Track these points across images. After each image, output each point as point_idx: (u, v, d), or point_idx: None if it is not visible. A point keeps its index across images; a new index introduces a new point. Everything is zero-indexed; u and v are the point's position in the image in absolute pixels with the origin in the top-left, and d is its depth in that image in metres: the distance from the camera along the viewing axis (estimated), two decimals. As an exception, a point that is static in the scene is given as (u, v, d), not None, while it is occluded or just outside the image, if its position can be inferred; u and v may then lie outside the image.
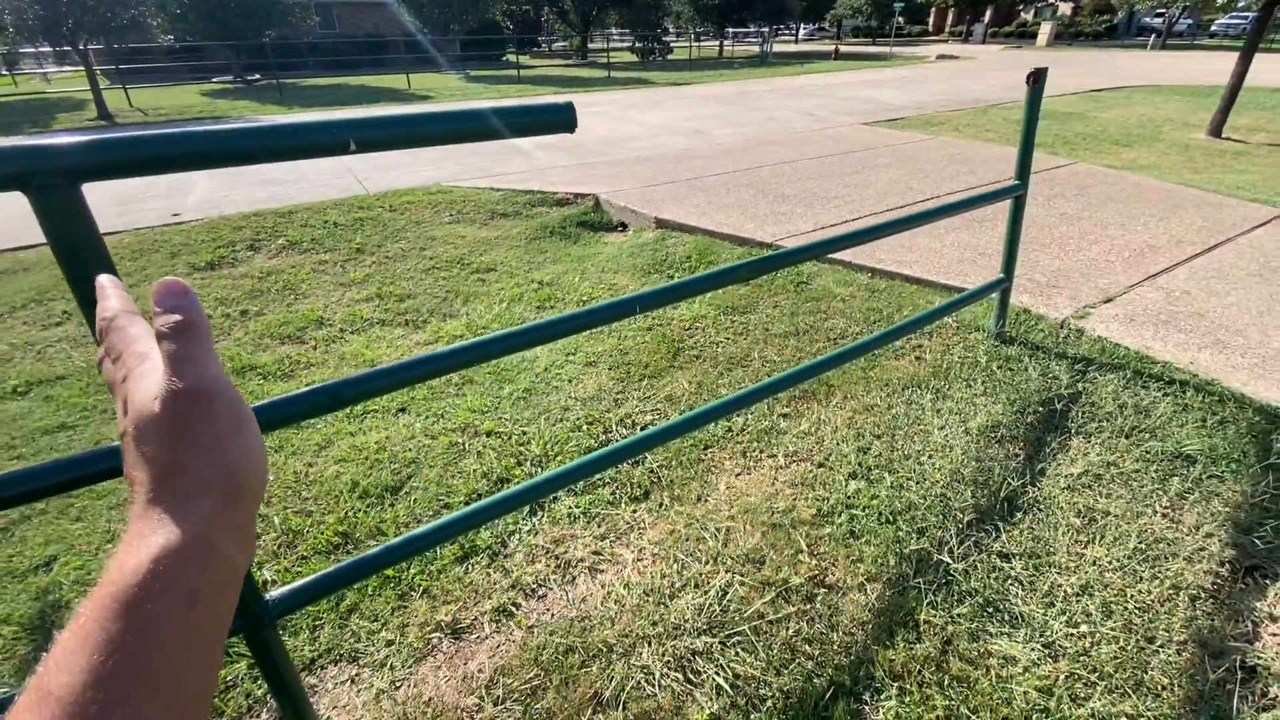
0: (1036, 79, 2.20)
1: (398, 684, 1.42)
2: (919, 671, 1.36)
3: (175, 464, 0.29)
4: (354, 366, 2.83)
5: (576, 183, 5.23)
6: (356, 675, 1.46)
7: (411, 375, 1.15)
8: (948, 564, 1.59)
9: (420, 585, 1.68)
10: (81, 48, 12.65)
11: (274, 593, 1.12)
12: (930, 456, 1.96)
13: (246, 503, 0.31)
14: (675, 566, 1.65)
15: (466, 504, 1.97)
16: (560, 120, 1.01)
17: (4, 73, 23.73)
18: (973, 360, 2.44)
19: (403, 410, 2.51)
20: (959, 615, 1.47)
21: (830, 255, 3.31)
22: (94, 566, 1.83)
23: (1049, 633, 1.44)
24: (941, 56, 24.36)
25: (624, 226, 4.41)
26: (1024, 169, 2.36)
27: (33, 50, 19.96)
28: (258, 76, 20.04)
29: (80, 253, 0.75)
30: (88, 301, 0.77)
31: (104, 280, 0.36)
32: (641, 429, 2.26)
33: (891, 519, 1.73)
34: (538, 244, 4.25)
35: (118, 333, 0.33)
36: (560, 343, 2.93)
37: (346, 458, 2.20)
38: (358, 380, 1.07)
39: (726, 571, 1.62)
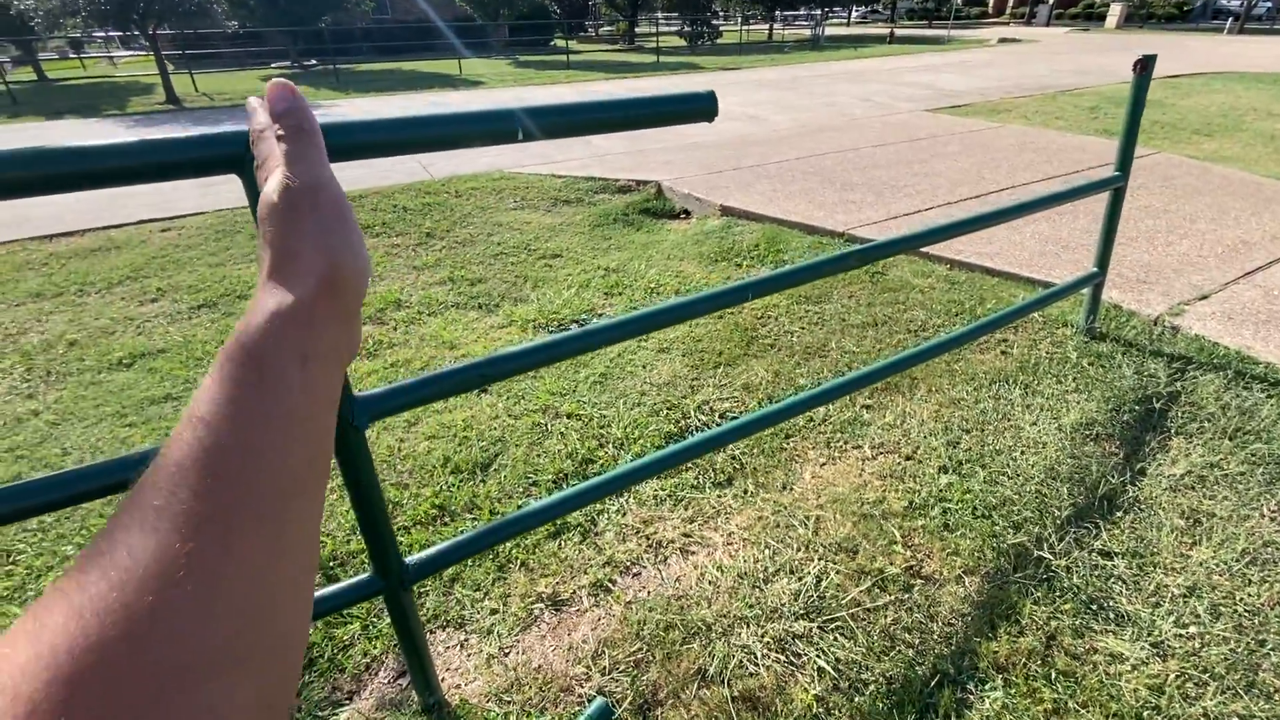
0: (1144, 66, 2.12)
1: (506, 650, 1.49)
2: (1024, 664, 1.36)
3: (288, 248, 0.33)
4: (434, 348, 2.93)
5: (636, 169, 5.24)
6: (465, 640, 1.53)
7: (539, 359, 1.19)
8: (1048, 560, 1.58)
9: (517, 558, 1.75)
10: (150, 33, 13.17)
11: (413, 557, 1.18)
12: (1023, 452, 1.93)
13: (344, 291, 0.34)
14: (768, 552, 1.67)
15: (554, 482, 2.03)
16: (702, 109, 1.03)
17: (72, 56, 24.89)
18: (1062, 356, 2.38)
19: (484, 391, 2.59)
20: (1062, 611, 1.46)
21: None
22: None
23: (1157, 632, 1.42)
24: (1003, 40, 23.38)
25: (687, 214, 4.41)
26: (1125, 160, 2.28)
27: (101, 35, 20.86)
28: (314, 62, 20.56)
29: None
30: None
31: (253, 101, 0.40)
32: (720, 416, 2.28)
33: (986, 514, 1.72)
34: (601, 230, 4.29)
35: (263, 142, 0.38)
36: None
37: (436, 435, 2.29)
38: (499, 360, 1.12)
39: (820, 559, 1.64)
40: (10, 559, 1.86)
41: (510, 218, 4.60)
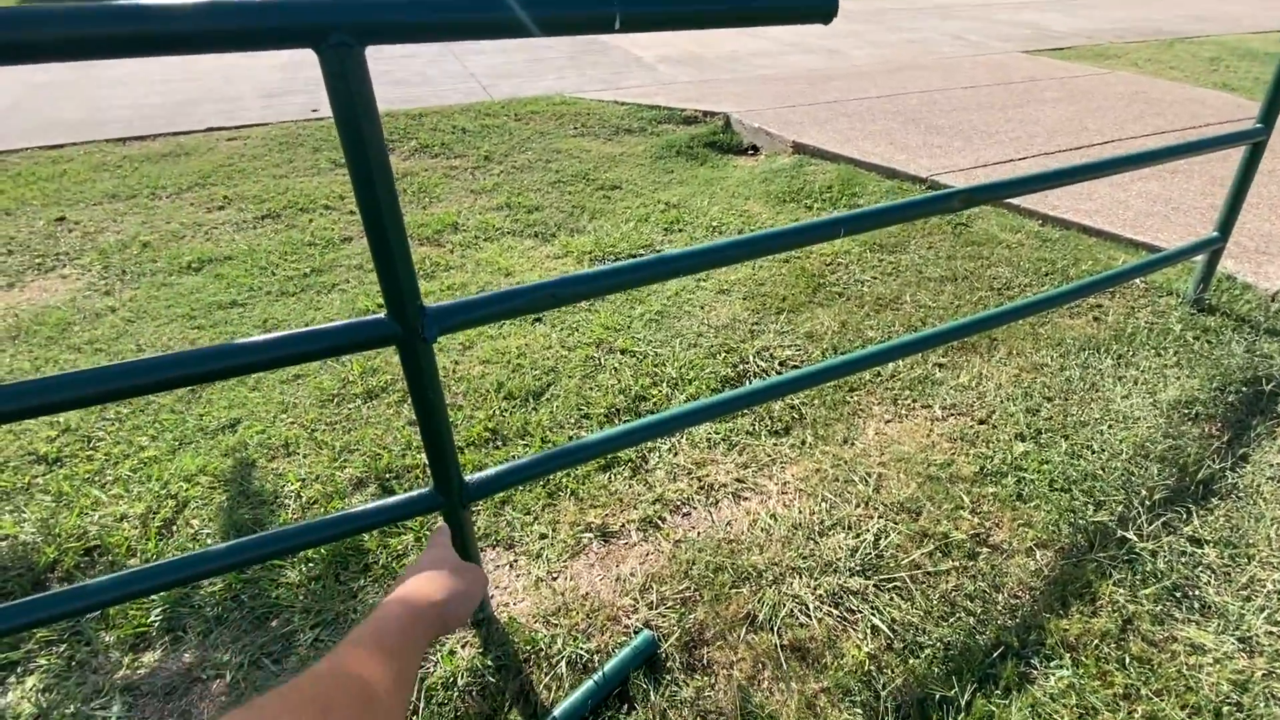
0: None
1: (554, 574, 1.49)
2: (1096, 645, 1.28)
3: (434, 594, 0.55)
4: (489, 274, 2.89)
5: (703, 99, 4.98)
6: (514, 561, 1.54)
7: (612, 283, 1.13)
8: (1132, 541, 1.47)
9: (567, 487, 1.74)
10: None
11: (473, 476, 1.17)
12: (1111, 426, 1.79)
13: (443, 628, 0.54)
14: (824, 505, 1.62)
15: (606, 416, 2.00)
16: (819, 7, 0.90)
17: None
18: (1163, 327, 2.18)
19: (538, 320, 2.55)
20: (1142, 595, 1.37)
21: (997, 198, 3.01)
22: (272, 432, 2.00)
23: (1246, 627, 1.32)
24: (1115, -23, 20.99)
25: (755, 150, 4.18)
26: (1271, 112, 2.00)
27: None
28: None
29: (358, 118, 0.75)
30: (359, 163, 0.78)
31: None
32: (780, 364, 2.20)
33: (1065, 487, 1.61)
34: (663, 163, 4.12)
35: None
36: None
37: (490, 360, 2.28)
38: (569, 281, 1.06)
39: (880, 518, 1.57)
40: (91, 444, 1.95)
41: (570, 145, 4.46)
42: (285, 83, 6.37)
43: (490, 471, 1.18)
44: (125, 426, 2.02)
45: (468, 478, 1.16)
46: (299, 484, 1.81)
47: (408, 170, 4.05)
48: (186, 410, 2.08)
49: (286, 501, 1.77)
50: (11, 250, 3.08)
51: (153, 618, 1.45)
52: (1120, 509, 1.56)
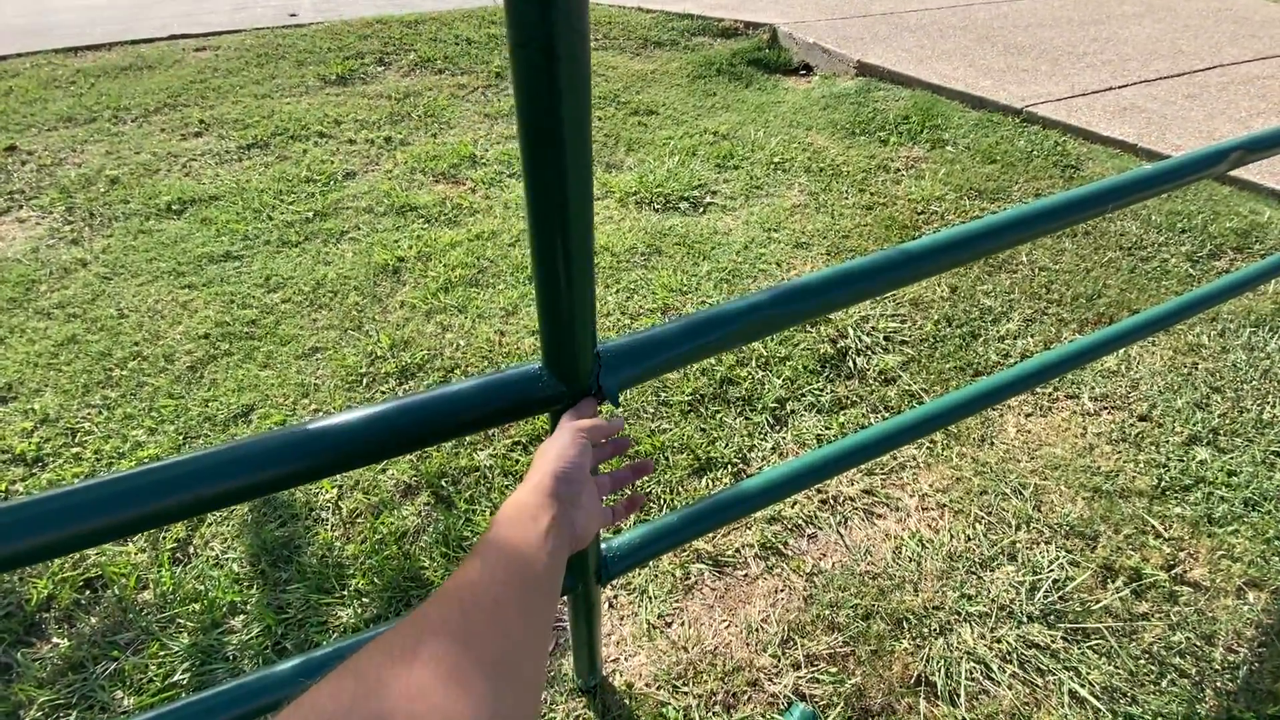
0: None
1: (668, 619, 1.24)
2: (1347, 722, 1.06)
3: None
4: (521, 218, 2.50)
5: (740, 7, 4.38)
6: (614, 598, 1.28)
7: (846, 293, 0.78)
8: (1364, 581, 1.24)
9: (660, 497, 1.46)
10: None
11: (611, 545, 0.87)
12: (1301, 426, 1.53)
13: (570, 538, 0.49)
14: (979, 527, 1.35)
15: (690, 405, 1.70)
16: None
17: None
18: (1333, 299, 1.89)
19: (589, 278, 2.19)
20: (1386, 652, 1.15)
21: (1106, 133, 2.63)
22: (293, 422, 1.69)
23: None
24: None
25: (808, 69, 3.68)
26: None
27: None
28: None
29: (562, 45, 0.39)
30: (543, 148, 0.43)
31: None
32: (885, 338, 1.88)
33: (1266, 506, 1.36)
34: (703, 84, 3.62)
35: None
36: (756, 215, 2.49)
37: (537, 328, 1.94)
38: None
39: (1049, 544, 1.31)
40: (77, 439, 1.63)
41: (593, 60, 3.91)
42: (254, -20, 5.56)
43: (628, 540, 0.89)
44: (115, 416, 1.68)
45: (605, 548, 0.87)
46: (335, 491, 1.52)
47: (409, 89, 3.53)
48: (188, 394, 1.75)
49: (323, 514, 1.47)
50: (-46, 187, 2.61)
51: (179, 676, 1.19)
52: (1335, 535, 1.32)
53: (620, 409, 1.68)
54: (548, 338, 0.58)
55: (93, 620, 1.28)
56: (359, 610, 1.28)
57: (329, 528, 1.44)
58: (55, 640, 1.24)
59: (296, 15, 4.58)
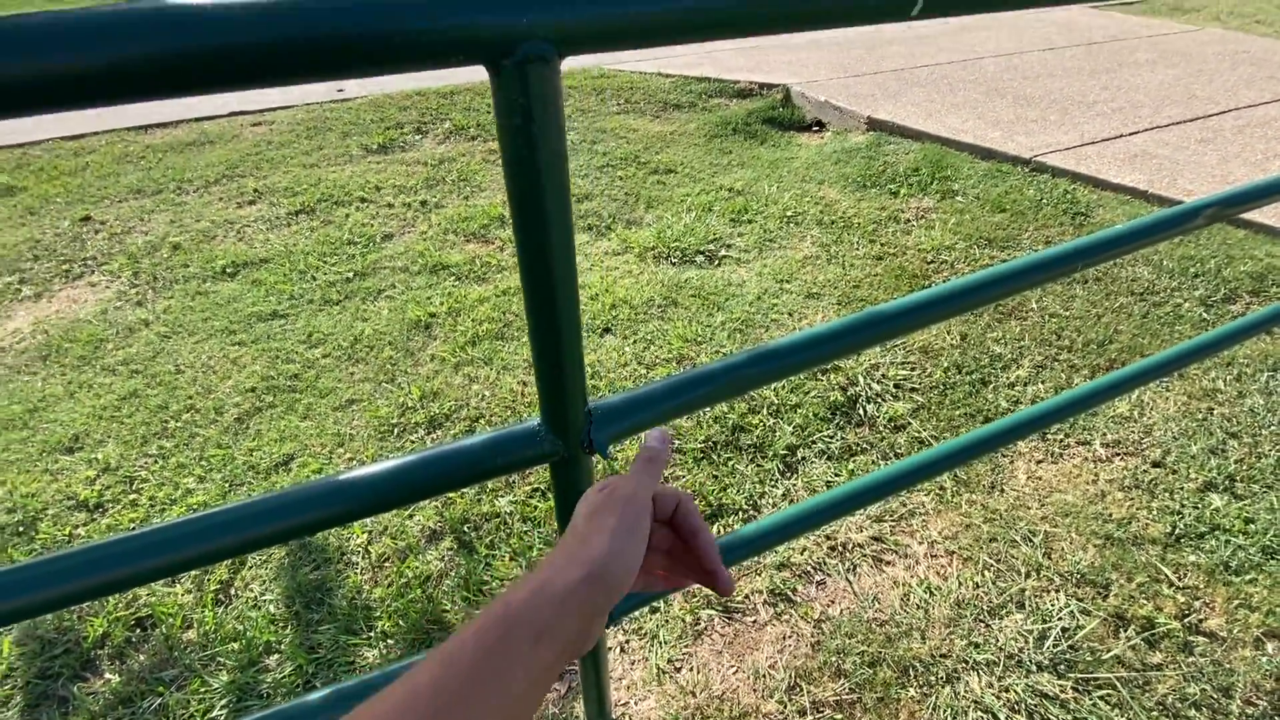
0: None
1: (677, 664, 1.27)
2: (1375, 781, 1.03)
3: (585, 531, 0.42)
4: (547, 273, 2.64)
5: (754, 69, 4.60)
6: (626, 643, 1.32)
7: (831, 349, 0.85)
8: (1390, 633, 1.21)
9: (674, 545, 1.51)
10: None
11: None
12: (1320, 472, 1.51)
13: (604, 584, 0.39)
14: (988, 575, 1.37)
15: (702, 452, 1.76)
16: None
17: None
18: (1353, 342, 1.87)
19: (607, 331, 2.30)
20: None
21: (1116, 180, 2.67)
22: (329, 471, 1.80)
23: None
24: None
25: (821, 125, 3.83)
26: None
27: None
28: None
29: (540, 162, 0.49)
30: (533, 220, 0.52)
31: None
32: (895, 385, 1.93)
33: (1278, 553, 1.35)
34: (719, 143, 3.79)
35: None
36: (770, 267, 2.59)
37: (563, 381, 2.04)
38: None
39: (1059, 592, 1.32)
40: (134, 486, 1.76)
41: (614, 123, 4.14)
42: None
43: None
44: (169, 465, 1.82)
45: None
46: (365, 536, 1.61)
47: (444, 156, 3.78)
48: (234, 444, 1.88)
49: (354, 558, 1.56)
50: (38, 255, 2.88)
51: (218, 712, 1.27)
52: (1359, 585, 1.29)
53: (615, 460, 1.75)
54: (544, 397, 0.67)
55: (141, 657, 1.37)
56: (384, 651, 1.35)
57: (359, 571, 1.52)
58: (108, 675, 1.33)
59: (343, 90, 4.96)
